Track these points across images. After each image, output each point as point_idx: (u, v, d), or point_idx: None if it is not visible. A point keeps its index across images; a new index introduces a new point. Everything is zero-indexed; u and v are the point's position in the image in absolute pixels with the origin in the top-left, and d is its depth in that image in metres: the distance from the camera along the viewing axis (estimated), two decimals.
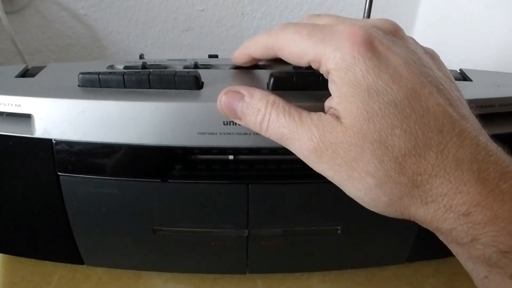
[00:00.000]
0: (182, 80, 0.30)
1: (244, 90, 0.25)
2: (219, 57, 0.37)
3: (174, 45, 0.73)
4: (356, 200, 0.23)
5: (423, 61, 0.23)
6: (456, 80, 0.33)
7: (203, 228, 0.33)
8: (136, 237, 0.33)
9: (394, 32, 0.24)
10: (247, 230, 0.32)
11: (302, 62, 0.24)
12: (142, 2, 0.69)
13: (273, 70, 0.30)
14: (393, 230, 0.34)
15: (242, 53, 0.29)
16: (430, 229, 0.23)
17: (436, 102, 0.21)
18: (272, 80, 0.29)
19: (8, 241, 0.36)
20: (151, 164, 0.30)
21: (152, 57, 0.38)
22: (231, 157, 0.30)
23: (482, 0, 0.65)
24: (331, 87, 0.23)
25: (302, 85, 0.29)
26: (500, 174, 0.20)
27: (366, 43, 0.22)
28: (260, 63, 0.33)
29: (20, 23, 0.66)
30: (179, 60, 0.35)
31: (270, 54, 0.27)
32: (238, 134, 0.29)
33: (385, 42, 0.22)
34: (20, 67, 0.34)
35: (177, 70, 0.31)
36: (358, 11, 0.74)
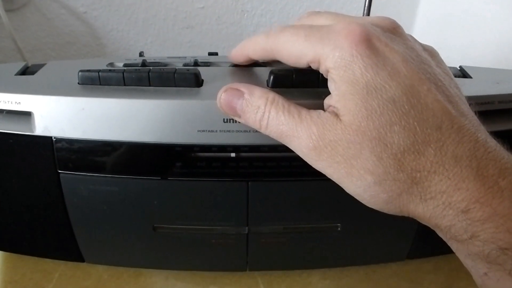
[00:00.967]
0: (182, 78, 0.30)
1: (243, 87, 0.25)
2: (219, 54, 0.37)
3: (174, 43, 0.73)
4: (355, 197, 0.23)
5: (422, 58, 0.23)
6: (455, 77, 0.33)
7: (203, 225, 0.33)
8: (136, 235, 0.33)
9: (393, 30, 0.24)
10: (247, 228, 0.32)
11: (301, 63, 0.24)
12: (142, 0, 0.69)
13: (273, 68, 0.30)
14: (393, 227, 0.34)
15: (240, 53, 0.29)
16: (429, 226, 0.23)
17: (435, 99, 0.21)
18: (271, 77, 0.29)
19: (9, 238, 0.36)
20: (151, 162, 0.30)
21: (152, 55, 0.38)
22: (233, 154, 0.30)
23: None
24: (330, 85, 0.23)
25: (301, 83, 0.28)
26: (499, 171, 0.20)
27: (364, 41, 0.22)
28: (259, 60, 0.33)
29: (20, 21, 0.66)
30: (179, 57, 0.35)
31: (268, 56, 0.27)
32: (238, 131, 0.29)
33: (384, 40, 0.22)
34: (20, 65, 0.34)
35: (177, 67, 0.31)
36: (358, 9, 0.74)
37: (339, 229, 0.33)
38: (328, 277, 0.37)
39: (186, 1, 0.70)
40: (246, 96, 0.25)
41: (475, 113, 0.24)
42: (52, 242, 0.35)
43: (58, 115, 0.29)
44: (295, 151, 0.24)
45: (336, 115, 0.22)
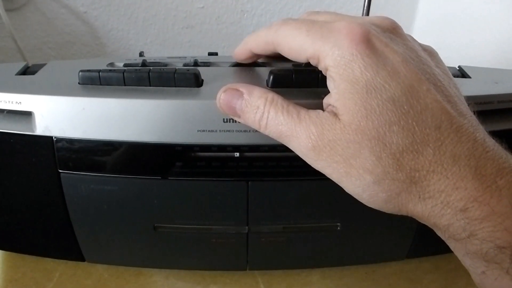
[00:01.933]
0: (182, 78, 0.30)
1: (243, 87, 0.25)
2: (218, 54, 0.37)
3: (174, 43, 0.73)
4: (354, 196, 0.23)
5: (421, 58, 0.24)
6: (454, 77, 0.33)
7: (203, 225, 0.33)
8: (137, 234, 0.33)
9: (392, 30, 0.24)
10: (247, 227, 0.33)
11: (301, 58, 0.24)
12: (142, 0, 0.69)
13: (273, 68, 0.30)
14: (392, 227, 0.34)
15: (243, 49, 0.30)
16: (428, 225, 0.23)
17: (434, 99, 0.22)
18: (271, 77, 0.29)
19: (10, 238, 0.36)
20: (151, 162, 0.30)
21: (152, 55, 0.38)
22: (236, 154, 0.30)
23: None
24: (330, 84, 0.23)
25: (301, 83, 0.29)
26: (497, 170, 0.21)
27: (364, 40, 0.22)
28: (260, 60, 0.33)
29: (20, 21, 0.66)
30: (179, 57, 0.35)
31: (270, 49, 0.27)
32: (238, 131, 0.29)
33: (384, 40, 0.22)
34: (20, 65, 0.34)
35: (177, 67, 0.31)
36: (357, 8, 0.74)
37: (338, 228, 0.33)
38: (328, 276, 0.37)
39: (186, 1, 0.70)
40: (245, 96, 0.25)
41: (474, 113, 0.24)
42: (52, 242, 0.35)
43: (59, 115, 0.29)
44: (294, 151, 0.24)
45: (335, 114, 0.22)
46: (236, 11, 0.71)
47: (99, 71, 0.30)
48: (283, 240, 0.34)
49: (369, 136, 0.21)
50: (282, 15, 0.73)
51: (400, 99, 0.21)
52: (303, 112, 0.23)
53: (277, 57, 0.29)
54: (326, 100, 0.24)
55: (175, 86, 0.30)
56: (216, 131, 0.29)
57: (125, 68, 0.31)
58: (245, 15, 0.72)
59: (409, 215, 0.23)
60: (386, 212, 0.23)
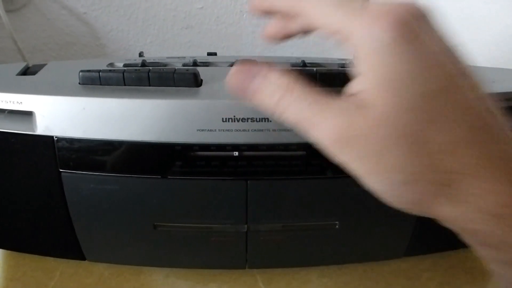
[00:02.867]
0: (181, 78, 0.30)
1: (261, 65, 0.22)
2: (217, 54, 0.37)
3: (174, 43, 0.73)
4: (377, 195, 0.21)
5: (456, 52, 0.21)
6: None
7: (202, 223, 0.33)
8: (137, 233, 0.34)
9: (428, 18, 0.21)
10: (246, 226, 0.33)
11: (326, 29, 0.21)
12: (142, 0, 0.69)
13: None
14: (390, 225, 0.34)
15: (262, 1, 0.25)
16: (453, 228, 0.21)
17: (476, 97, 0.19)
18: None
19: (10, 237, 0.36)
20: (151, 161, 0.31)
21: (151, 55, 0.38)
22: (235, 153, 0.30)
23: None
24: (359, 68, 0.20)
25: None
26: None
27: (406, 24, 0.19)
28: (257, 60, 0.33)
29: (20, 22, 0.67)
30: (178, 58, 0.35)
31: (291, 11, 0.23)
32: (237, 130, 0.29)
33: (425, 27, 0.20)
34: (20, 65, 0.35)
35: (176, 67, 0.32)
36: None
37: (337, 227, 0.34)
38: (327, 274, 0.37)
39: (186, 1, 0.70)
40: (262, 74, 0.22)
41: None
42: (53, 241, 0.35)
43: (59, 115, 0.30)
44: (314, 141, 0.21)
45: (365, 104, 0.19)
46: (235, 12, 0.72)
47: (99, 71, 0.30)
48: (282, 238, 0.34)
49: (405, 132, 0.19)
50: None
51: (443, 94, 0.19)
52: (329, 98, 0.20)
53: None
54: (355, 87, 0.21)
55: (175, 86, 0.30)
56: (215, 130, 0.29)
57: (125, 68, 0.31)
58: (244, 16, 0.72)
59: (433, 217, 0.21)
60: (408, 212, 0.21)
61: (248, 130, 0.29)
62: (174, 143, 0.30)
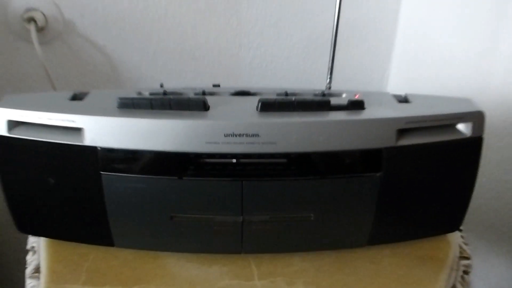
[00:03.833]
0: (194, 104, 0.40)
1: None
2: (220, 86, 0.48)
3: (181, 72, 0.84)
4: None
5: None
6: (398, 101, 0.44)
7: (208, 215, 0.43)
8: (157, 223, 0.43)
9: None
10: (241, 217, 0.42)
11: None
12: (153, 35, 0.80)
13: (261, 97, 0.41)
14: (354, 218, 0.44)
15: None
16: None
17: None
18: (260, 104, 0.40)
19: (55, 227, 0.45)
20: (170, 165, 0.40)
21: (161, 81, 0.48)
22: (234, 160, 0.40)
23: (448, 32, 0.77)
24: None
25: (282, 108, 0.39)
26: None
27: None
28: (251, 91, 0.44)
29: (50, 53, 0.77)
30: (191, 88, 0.46)
31: None
32: (235, 143, 0.39)
33: None
34: (69, 93, 0.45)
35: (189, 96, 0.42)
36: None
37: (312, 218, 0.43)
38: (306, 259, 0.46)
39: (192, 36, 0.81)
40: None
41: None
42: (89, 230, 0.45)
43: (102, 130, 0.40)
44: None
45: None
46: (235, 45, 0.83)
47: (132, 98, 0.40)
48: (269, 228, 0.44)
49: None
50: (274, 48, 0.85)
51: None
52: None
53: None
54: None
55: (189, 110, 0.40)
56: (219, 143, 0.39)
57: (152, 96, 0.42)
58: (242, 49, 0.84)
59: None
60: None
61: (243, 143, 0.39)
62: (188, 152, 0.40)
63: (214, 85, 0.48)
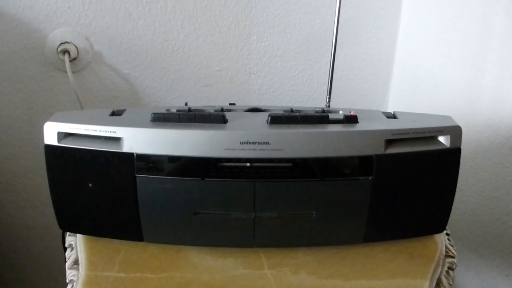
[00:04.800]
0: (214, 118, 0.49)
1: None
2: (236, 104, 0.56)
3: (196, 97, 0.93)
4: None
5: None
6: (387, 117, 0.52)
7: (225, 211, 0.50)
8: (182, 219, 0.50)
9: None
10: (254, 213, 0.50)
11: None
12: (172, 64, 0.89)
13: (271, 112, 0.49)
14: (349, 216, 0.51)
15: None
16: None
17: None
18: (269, 118, 0.48)
19: (93, 225, 0.53)
20: (194, 168, 0.48)
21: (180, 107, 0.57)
22: (248, 164, 0.48)
23: (439, 59, 0.86)
24: None
25: (290, 121, 0.48)
26: None
27: None
28: (262, 108, 0.52)
29: (80, 79, 0.87)
30: (211, 106, 0.55)
31: None
32: (249, 149, 0.47)
33: None
34: (108, 110, 0.53)
35: (211, 112, 0.50)
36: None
37: (314, 215, 0.50)
38: (310, 253, 0.53)
39: (206, 65, 0.91)
40: None
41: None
42: (122, 227, 0.52)
43: (138, 139, 0.48)
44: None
45: None
46: (245, 73, 0.92)
47: (164, 113, 0.49)
48: (278, 224, 0.51)
49: None
50: (282, 76, 0.94)
51: None
52: None
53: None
54: None
55: (210, 123, 0.49)
56: (235, 149, 0.47)
57: (179, 112, 0.50)
58: (252, 76, 0.93)
59: None
60: None
61: (256, 150, 0.47)
62: (209, 157, 0.48)
63: (231, 104, 0.56)
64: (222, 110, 0.53)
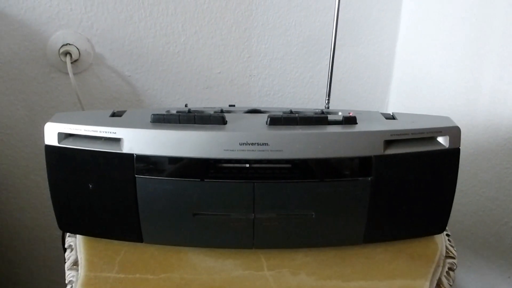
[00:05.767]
0: (214, 119, 0.49)
1: None
2: (235, 106, 0.57)
3: (196, 100, 0.93)
4: None
5: None
6: (387, 119, 0.53)
7: (225, 212, 0.50)
8: (182, 220, 0.50)
9: None
10: (253, 214, 0.50)
11: None
12: (172, 66, 0.90)
13: (270, 114, 0.50)
14: (348, 217, 0.51)
15: None
16: None
17: None
18: (269, 119, 0.48)
19: (92, 226, 0.53)
20: (194, 169, 0.48)
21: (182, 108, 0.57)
22: (247, 165, 0.48)
23: (439, 62, 0.86)
24: None
25: (289, 122, 0.48)
26: None
27: None
28: (261, 109, 0.52)
29: (81, 81, 0.87)
30: (211, 107, 0.55)
31: None
32: (248, 150, 0.47)
33: None
34: (109, 111, 0.54)
35: (210, 113, 0.51)
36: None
37: (313, 216, 0.50)
38: (309, 254, 0.53)
39: (207, 67, 0.91)
40: None
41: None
42: (122, 228, 0.52)
43: (138, 140, 0.48)
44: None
45: None
46: (245, 76, 0.93)
47: (164, 114, 0.49)
48: (277, 225, 0.51)
49: None
50: (282, 78, 0.94)
51: None
52: None
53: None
54: None
55: (210, 124, 0.49)
56: (235, 150, 0.47)
57: (179, 113, 0.50)
58: (252, 79, 0.93)
59: None
60: None
61: (255, 151, 0.47)
62: (209, 158, 0.48)
63: (230, 105, 0.57)
64: (221, 111, 0.53)
